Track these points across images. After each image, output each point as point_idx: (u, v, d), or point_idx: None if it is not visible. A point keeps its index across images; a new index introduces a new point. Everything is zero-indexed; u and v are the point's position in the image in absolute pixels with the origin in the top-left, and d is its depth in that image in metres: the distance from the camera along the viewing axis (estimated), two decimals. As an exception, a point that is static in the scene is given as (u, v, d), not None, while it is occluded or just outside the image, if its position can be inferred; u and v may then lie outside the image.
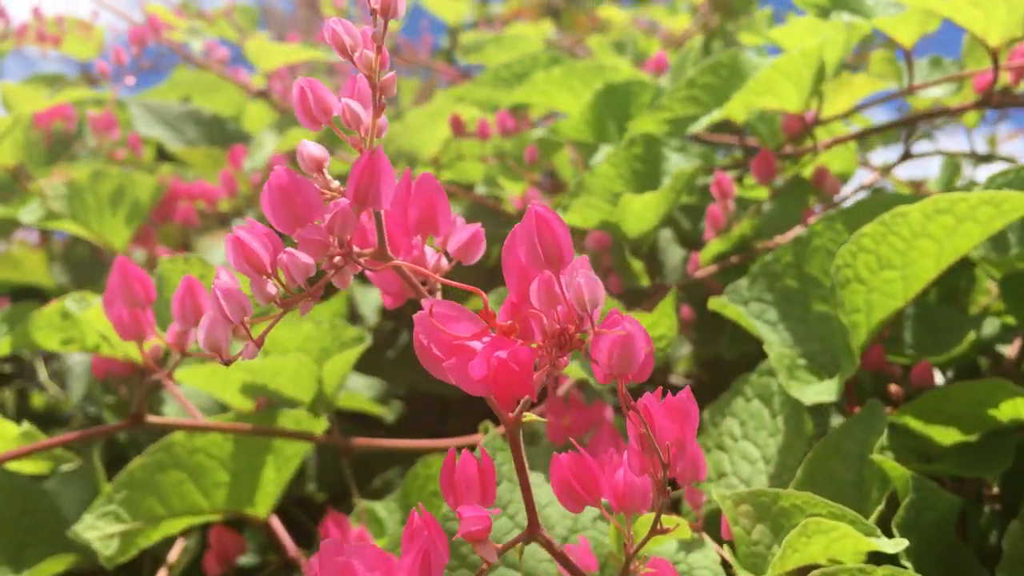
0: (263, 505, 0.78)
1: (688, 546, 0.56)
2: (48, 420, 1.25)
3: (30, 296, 1.37)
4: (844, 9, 0.88)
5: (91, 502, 0.89)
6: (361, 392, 1.05)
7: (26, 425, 0.73)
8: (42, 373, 1.19)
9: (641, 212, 0.80)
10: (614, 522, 0.44)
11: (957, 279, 0.86)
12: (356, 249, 0.39)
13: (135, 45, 1.44)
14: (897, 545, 0.44)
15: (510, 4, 2.29)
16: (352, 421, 1.08)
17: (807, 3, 0.87)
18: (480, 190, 1.13)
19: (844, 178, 1.06)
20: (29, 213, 1.04)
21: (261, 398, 0.79)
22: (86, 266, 1.36)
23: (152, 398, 1.02)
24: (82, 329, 0.88)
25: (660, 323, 0.67)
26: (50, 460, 0.75)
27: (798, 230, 0.85)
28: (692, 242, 1.03)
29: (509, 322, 0.36)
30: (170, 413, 0.98)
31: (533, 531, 0.41)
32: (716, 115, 0.86)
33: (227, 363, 0.35)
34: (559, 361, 0.35)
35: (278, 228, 0.37)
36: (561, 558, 0.42)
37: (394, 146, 1.05)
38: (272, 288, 0.36)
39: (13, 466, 0.77)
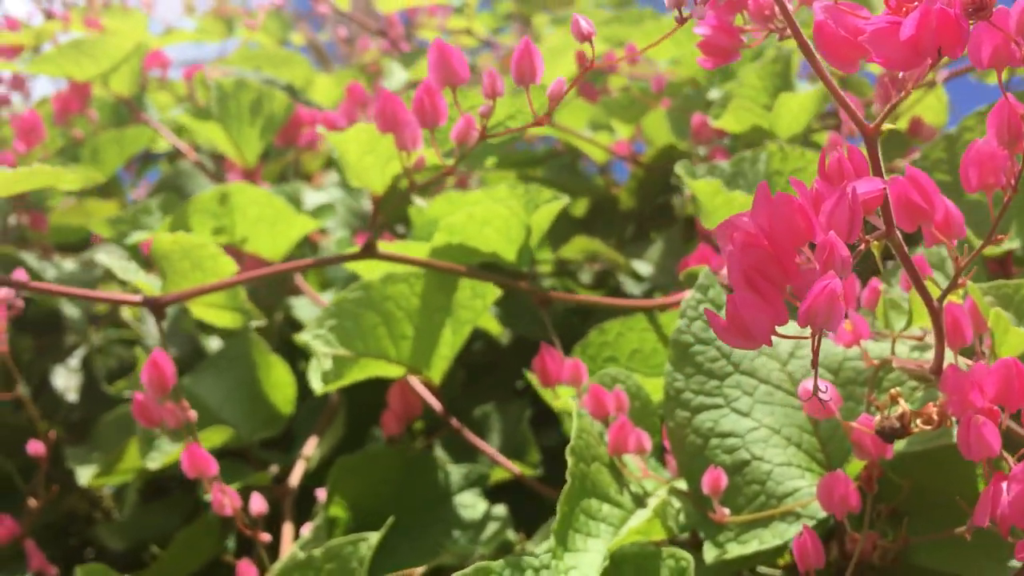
0: (437, 369, 0.80)
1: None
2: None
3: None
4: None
5: (227, 390, 0.91)
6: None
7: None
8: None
9: (796, 112, 0.86)
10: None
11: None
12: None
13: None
14: None
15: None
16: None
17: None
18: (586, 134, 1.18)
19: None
20: (176, 111, 1.07)
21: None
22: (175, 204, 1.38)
23: (284, 307, 1.04)
24: (234, 219, 0.91)
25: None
26: (243, 315, 0.77)
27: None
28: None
29: (915, 2, 0.41)
30: (302, 317, 1.00)
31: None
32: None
33: (683, 20, 0.40)
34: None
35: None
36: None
37: (520, 78, 1.10)
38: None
39: (211, 317, 0.78)
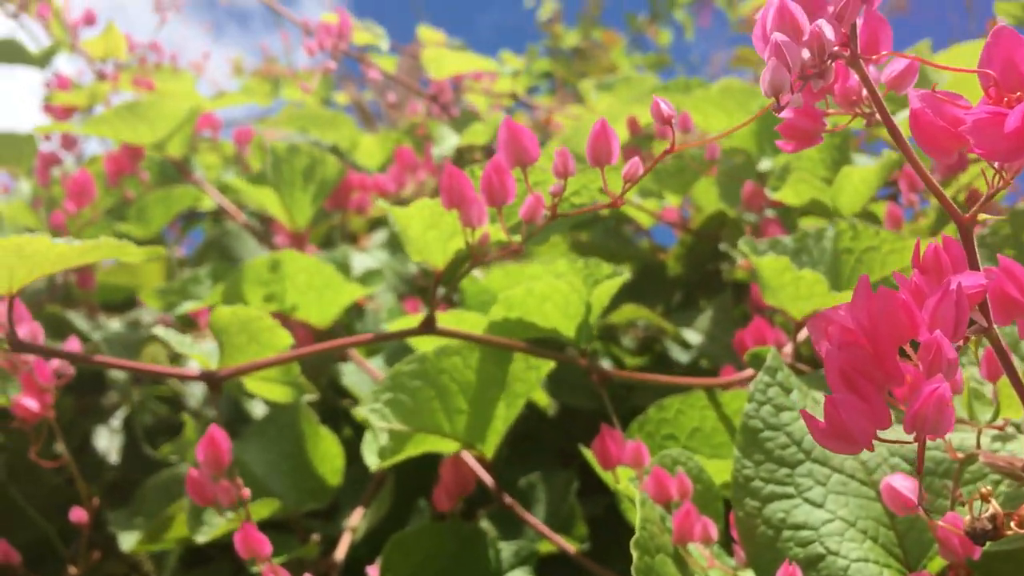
0: (491, 443, 0.79)
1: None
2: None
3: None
4: None
5: (274, 460, 0.90)
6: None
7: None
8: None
9: (857, 186, 0.85)
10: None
11: None
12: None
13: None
14: None
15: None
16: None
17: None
18: (635, 200, 1.17)
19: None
20: (228, 175, 1.07)
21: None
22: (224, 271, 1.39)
23: (331, 373, 1.03)
24: (285, 286, 0.91)
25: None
26: (296, 390, 0.76)
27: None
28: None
29: (1016, 94, 0.40)
30: (349, 384, 0.99)
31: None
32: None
33: (780, 109, 0.39)
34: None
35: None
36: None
37: (570, 146, 1.10)
38: (806, 54, 0.40)
39: (264, 391, 0.78)
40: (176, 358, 1.21)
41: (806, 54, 0.40)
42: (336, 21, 1.13)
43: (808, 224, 1.03)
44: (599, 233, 1.29)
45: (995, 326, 0.43)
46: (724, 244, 1.14)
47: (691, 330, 1.09)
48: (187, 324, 1.21)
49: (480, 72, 1.47)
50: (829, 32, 0.40)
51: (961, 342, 0.41)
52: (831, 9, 0.42)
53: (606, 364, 1.21)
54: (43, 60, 1.64)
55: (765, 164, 1.06)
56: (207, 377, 0.66)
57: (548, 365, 0.77)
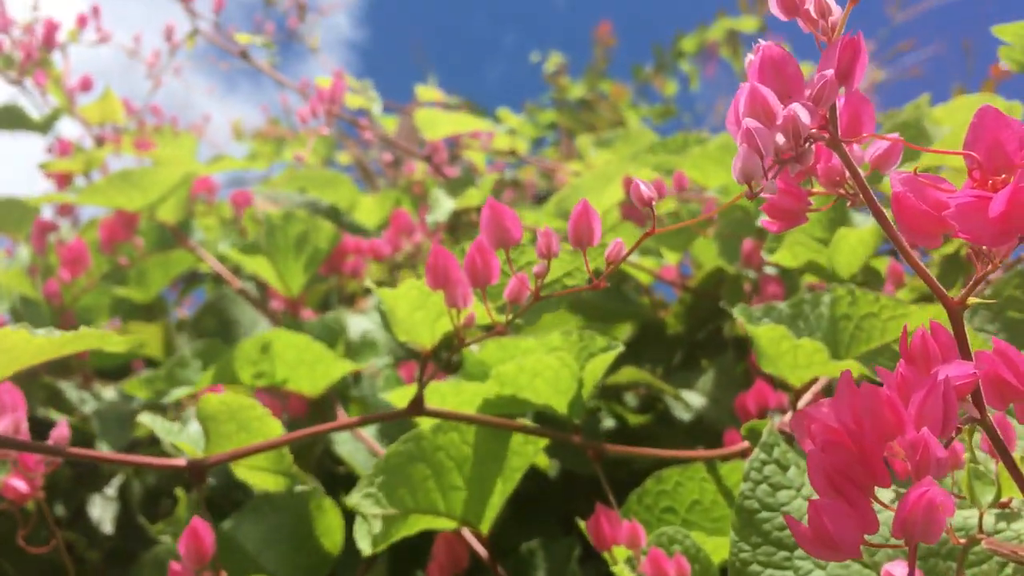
0: (488, 519, 0.77)
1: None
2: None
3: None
4: None
5: (269, 535, 0.88)
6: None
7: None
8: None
9: (854, 247, 0.84)
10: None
11: None
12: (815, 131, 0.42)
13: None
14: None
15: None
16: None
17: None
18: (632, 258, 1.16)
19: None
20: (219, 242, 1.07)
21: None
22: (212, 337, 1.38)
23: (325, 440, 1.02)
24: (275, 364, 0.90)
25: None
26: (288, 479, 0.74)
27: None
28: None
29: (1001, 176, 0.39)
30: (343, 453, 0.97)
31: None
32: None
33: (754, 195, 0.37)
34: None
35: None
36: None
37: (566, 205, 1.09)
38: (780, 139, 0.39)
39: (255, 480, 0.76)
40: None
41: (780, 139, 0.39)
42: (329, 86, 1.13)
43: (808, 281, 1.02)
44: (599, 292, 1.28)
45: (989, 413, 0.41)
46: (724, 302, 1.13)
47: (692, 392, 1.08)
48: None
49: (478, 130, 1.47)
50: (804, 116, 0.39)
51: (953, 433, 0.40)
52: (808, 92, 0.41)
53: (609, 423, 1.19)
54: (45, 126, 1.65)
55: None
56: (193, 466, 0.64)
57: (545, 439, 0.75)
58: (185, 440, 0.67)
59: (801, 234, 0.87)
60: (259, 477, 0.74)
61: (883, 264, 1.01)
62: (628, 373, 1.04)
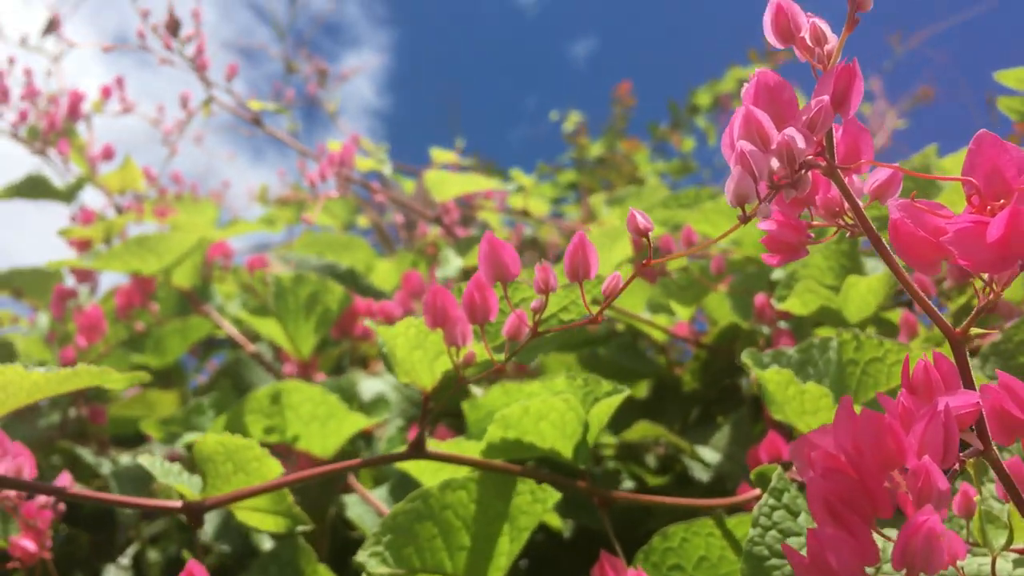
0: (493, 580, 0.75)
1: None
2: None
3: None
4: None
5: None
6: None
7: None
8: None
9: (864, 295, 0.83)
10: None
11: None
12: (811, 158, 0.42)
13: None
14: None
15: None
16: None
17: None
18: (644, 315, 1.15)
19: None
20: (234, 307, 1.07)
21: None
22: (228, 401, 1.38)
23: (335, 495, 1.01)
24: (287, 417, 0.89)
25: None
26: (290, 520, 0.73)
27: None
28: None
29: (1000, 202, 0.38)
30: (353, 516, 0.96)
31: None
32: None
33: (747, 219, 0.37)
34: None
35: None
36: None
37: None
38: (774, 163, 0.39)
39: (255, 522, 0.75)
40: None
41: (775, 163, 0.39)
42: (339, 149, 1.15)
43: (820, 333, 1.00)
44: (614, 349, 1.27)
45: (994, 446, 0.40)
46: (738, 358, 1.12)
47: (708, 448, 1.06)
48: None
49: (489, 190, 1.48)
50: (799, 141, 0.39)
51: (956, 466, 0.39)
52: (804, 117, 0.41)
53: (629, 484, 1.17)
54: (68, 195, 1.68)
55: (778, 273, 1.05)
56: (188, 509, 0.64)
57: (554, 497, 0.74)
58: (185, 483, 0.67)
59: (811, 282, 0.86)
60: (258, 518, 0.73)
61: (898, 315, 1.00)
62: (643, 428, 1.03)
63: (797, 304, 0.86)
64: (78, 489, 0.65)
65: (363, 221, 2.20)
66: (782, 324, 1.07)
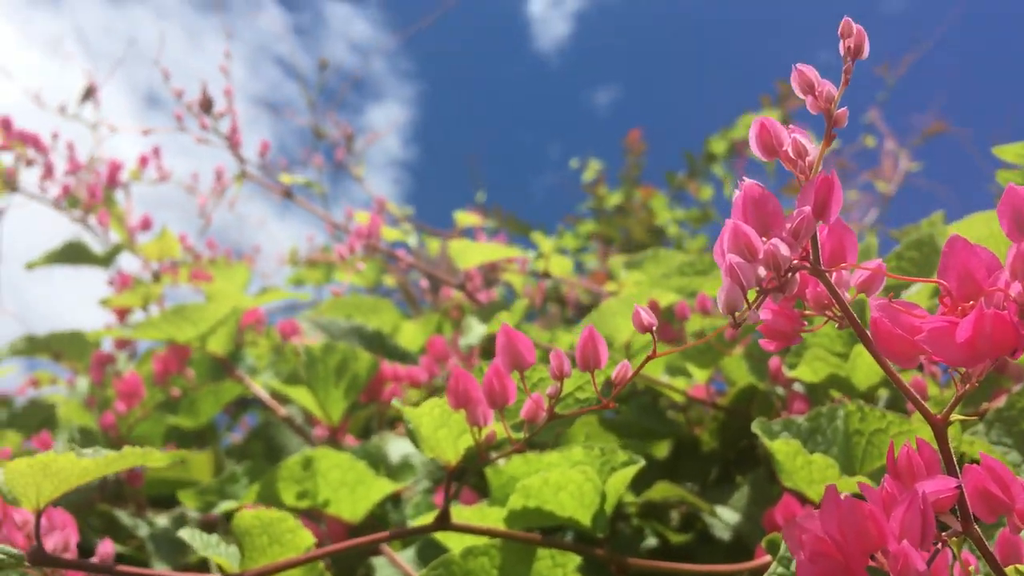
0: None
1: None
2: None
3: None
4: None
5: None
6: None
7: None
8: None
9: (871, 363, 0.86)
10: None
11: None
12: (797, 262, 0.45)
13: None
14: None
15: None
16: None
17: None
18: (663, 378, 1.19)
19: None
20: (266, 371, 1.12)
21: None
22: (259, 461, 1.42)
23: (366, 567, 1.04)
24: (317, 483, 0.93)
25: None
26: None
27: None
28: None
29: (971, 302, 0.42)
30: (379, 567, 0.99)
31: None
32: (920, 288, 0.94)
33: (737, 325, 0.41)
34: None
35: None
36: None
37: (597, 328, 1.13)
38: (761, 271, 0.43)
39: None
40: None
41: (762, 271, 0.43)
42: (366, 222, 1.20)
43: (834, 396, 1.03)
44: (634, 410, 1.30)
45: (975, 525, 0.43)
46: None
47: (728, 508, 1.08)
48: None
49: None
50: (784, 250, 0.43)
51: (940, 545, 0.42)
52: (789, 226, 0.45)
53: (652, 542, 1.19)
54: (106, 260, 1.74)
55: (790, 337, 1.08)
56: (229, 583, 0.68)
57: (574, 561, 0.76)
58: (223, 555, 0.70)
59: (820, 349, 0.89)
60: (292, 588, 0.76)
61: (907, 378, 1.02)
62: (663, 489, 1.06)
63: (807, 372, 0.89)
64: (124, 567, 0.68)
65: (390, 280, 2.25)
66: (797, 386, 1.10)
